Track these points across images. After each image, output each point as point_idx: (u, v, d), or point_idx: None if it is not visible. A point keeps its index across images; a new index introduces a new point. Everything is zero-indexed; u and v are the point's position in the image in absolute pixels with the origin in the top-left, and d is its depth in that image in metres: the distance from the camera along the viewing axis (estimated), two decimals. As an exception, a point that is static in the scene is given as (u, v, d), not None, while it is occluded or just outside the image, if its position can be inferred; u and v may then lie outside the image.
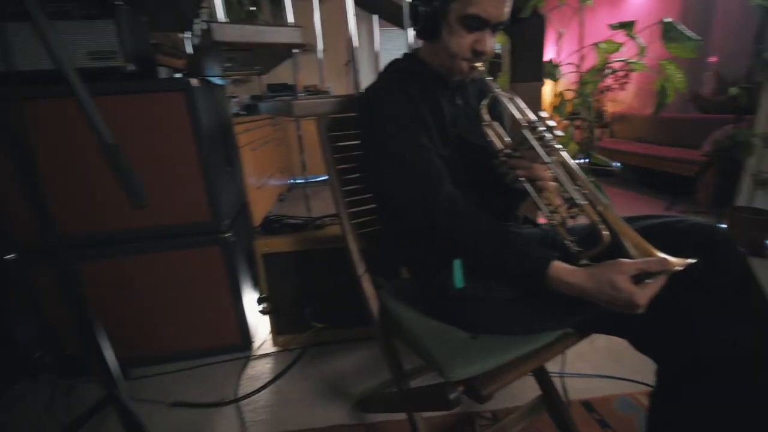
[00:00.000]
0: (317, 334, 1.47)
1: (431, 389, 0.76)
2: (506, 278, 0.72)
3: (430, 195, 0.76)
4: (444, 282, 0.79)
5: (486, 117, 0.83)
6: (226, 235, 1.32)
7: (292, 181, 4.00)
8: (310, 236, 1.37)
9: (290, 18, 0.97)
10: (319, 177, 3.95)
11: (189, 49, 1.64)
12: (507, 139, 0.81)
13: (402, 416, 1.09)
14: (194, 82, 1.12)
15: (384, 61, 0.92)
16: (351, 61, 1.42)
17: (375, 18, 1.62)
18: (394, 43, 4.06)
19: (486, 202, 0.84)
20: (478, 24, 0.75)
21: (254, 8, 1.91)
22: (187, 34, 1.67)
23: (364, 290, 0.96)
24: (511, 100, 0.77)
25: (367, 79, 1.44)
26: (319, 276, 1.41)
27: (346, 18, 1.36)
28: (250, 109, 2.81)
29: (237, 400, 1.29)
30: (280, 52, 1.03)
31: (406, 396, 0.89)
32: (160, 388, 1.39)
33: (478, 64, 0.79)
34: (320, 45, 1.67)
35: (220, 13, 0.91)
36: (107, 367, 0.52)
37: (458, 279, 0.77)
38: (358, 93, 1.13)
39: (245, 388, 1.35)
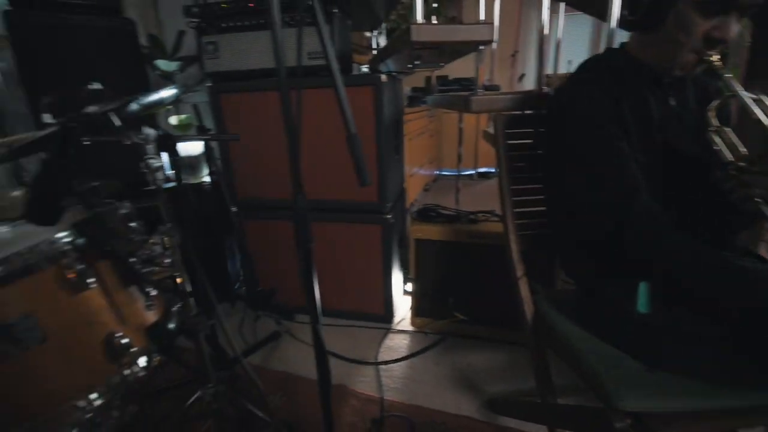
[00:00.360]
0: (455, 324, 1.51)
1: (591, 412, 0.70)
2: (716, 314, 0.61)
3: (621, 205, 0.69)
4: (622, 302, 0.71)
5: (714, 121, 0.69)
6: (388, 216, 1.46)
7: (437, 172, 4.10)
8: (464, 229, 1.40)
9: (481, 15, 0.99)
10: (466, 171, 3.95)
11: (374, 46, 1.83)
12: (743, 149, 0.67)
13: (536, 428, 1.04)
14: (383, 78, 1.26)
15: (565, 51, 0.86)
16: (522, 52, 1.35)
17: (561, 5, 1.50)
18: (575, 30, 3.70)
19: (690, 222, 0.71)
20: (721, 7, 0.63)
21: (436, 4, 2.00)
22: (374, 33, 1.87)
23: (519, 293, 0.94)
24: (759, 102, 0.62)
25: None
26: (466, 269, 1.44)
27: (519, 6, 1.29)
28: (411, 100, 2.98)
29: (376, 364, 1.44)
30: (467, 48, 1.06)
31: (553, 410, 0.84)
32: (317, 335, 1.65)
33: (714, 57, 0.66)
34: (495, 36, 1.64)
35: (419, 15, 1.00)
36: (315, 305, 0.66)
37: (642, 302, 0.69)
38: (539, 89, 1.09)
39: (383, 355, 1.50)
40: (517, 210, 0.99)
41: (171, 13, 2.14)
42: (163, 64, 1.75)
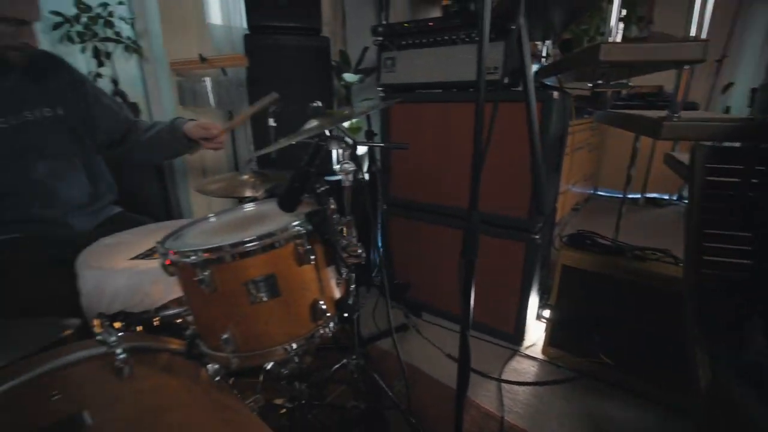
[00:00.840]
0: (595, 366, 1.37)
1: None
2: None
3: None
4: None
5: None
6: (535, 236, 1.40)
7: (592, 191, 3.67)
8: (626, 265, 1.24)
9: (693, 30, 0.85)
10: (632, 194, 3.43)
11: (543, 54, 1.77)
12: None
13: None
14: (555, 94, 1.21)
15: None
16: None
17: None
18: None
19: None
20: None
21: (625, 11, 1.79)
22: (545, 43, 1.79)
23: (694, 354, 0.81)
24: None
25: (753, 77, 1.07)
26: (622, 309, 1.28)
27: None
28: (576, 112, 2.75)
29: (500, 381, 1.42)
30: (666, 65, 0.94)
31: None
32: (440, 337, 1.71)
33: None
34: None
35: (614, 33, 0.93)
36: (468, 313, 0.71)
37: None
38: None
39: (507, 376, 1.46)
40: (707, 258, 0.85)
41: (355, 31, 2.48)
42: (348, 76, 2.05)
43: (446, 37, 1.46)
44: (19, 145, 1.11)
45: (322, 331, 0.70)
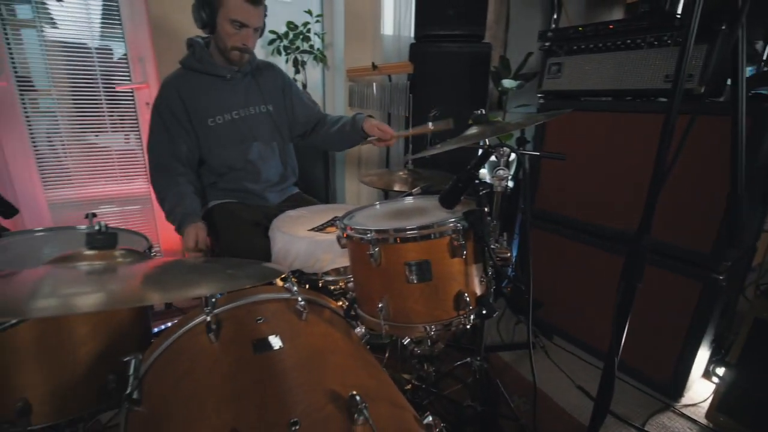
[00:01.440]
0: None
1: None
2: None
3: None
4: None
5: None
6: (719, 276, 1.16)
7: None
8: None
9: None
10: None
11: (764, 58, 1.42)
12: None
13: None
14: (774, 107, 0.98)
15: None
16: None
17: None
18: None
19: None
20: None
21: None
22: (766, 44, 1.44)
23: None
24: None
25: None
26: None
27: None
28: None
29: (645, 433, 1.24)
30: None
31: None
32: (570, 365, 1.57)
33: None
34: None
35: None
36: (620, 338, 0.67)
37: None
38: None
39: (652, 429, 1.26)
40: None
41: (518, 35, 2.42)
42: (507, 82, 2.04)
43: (628, 41, 1.32)
44: (242, 132, 1.47)
45: (462, 321, 0.76)
